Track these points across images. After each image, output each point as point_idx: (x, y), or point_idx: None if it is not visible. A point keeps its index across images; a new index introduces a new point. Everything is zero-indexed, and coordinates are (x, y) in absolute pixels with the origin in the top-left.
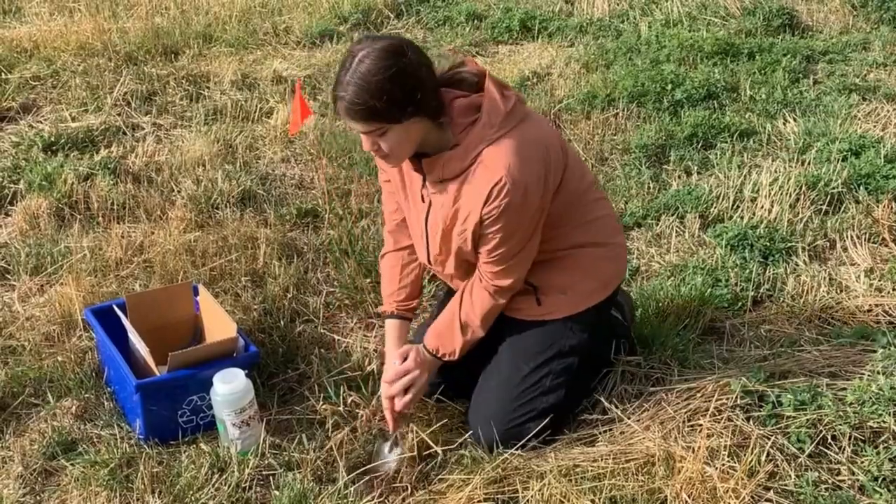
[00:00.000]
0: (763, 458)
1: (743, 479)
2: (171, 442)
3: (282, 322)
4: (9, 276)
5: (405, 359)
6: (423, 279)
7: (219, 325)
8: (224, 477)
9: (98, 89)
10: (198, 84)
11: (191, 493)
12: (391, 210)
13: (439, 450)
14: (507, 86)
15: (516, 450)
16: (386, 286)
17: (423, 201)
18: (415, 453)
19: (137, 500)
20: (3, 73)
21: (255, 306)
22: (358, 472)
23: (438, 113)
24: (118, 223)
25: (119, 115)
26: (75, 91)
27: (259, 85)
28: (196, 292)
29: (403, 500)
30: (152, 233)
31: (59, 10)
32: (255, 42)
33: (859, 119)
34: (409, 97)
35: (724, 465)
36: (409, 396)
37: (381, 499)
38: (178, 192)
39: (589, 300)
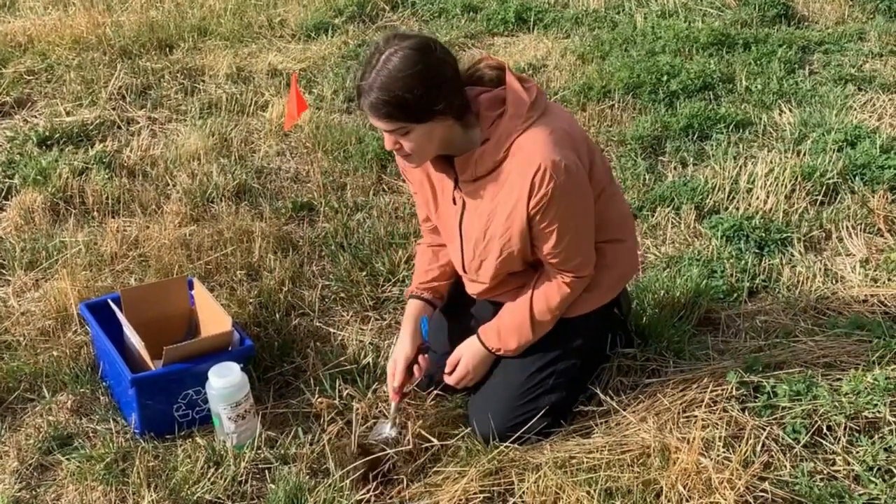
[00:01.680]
0: (758, 448)
1: (738, 469)
2: (167, 436)
3: (277, 316)
4: (4, 271)
5: (457, 361)
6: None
7: (214, 318)
8: (220, 471)
9: (93, 83)
10: (193, 77)
11: (187, 487)
12: (423, 218)
13: (436, 441)
14: (526, 78)
15: (512, 442)
16: (416, 272)
17: (455, 203)
18: (411, 446)
19: (133, 494)
20: None
21: (251, 300)
22: (354, 464)
23: (463, 112)
24: (113, 217)
25: (114, 109)
26: (70, 85)
27: (254, 78)
28: (191, 286)
29: (399, 492)
30: (147, 227)
31: (53, 4)
32: (250, 35)
33: (855, 109)
34: (435, 96)
35: (719, 456)
36: (466, 383)
37: (376, 491)
38: (174, 185)
39: (605, 297)
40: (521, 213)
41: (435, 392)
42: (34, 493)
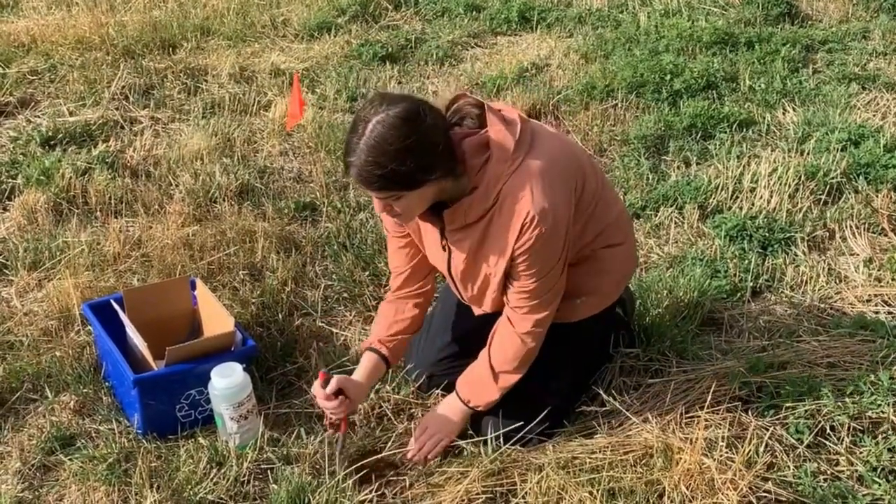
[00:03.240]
0: (761, 449)
1: (741, 470)
2: (170, 436)
3: (280, 316)
4: (7, 272)
5: (424, 429)
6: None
7: (216, 319)
8: (223, 471)
9: (96, 83)
10: (195, 77)
11: (189, 487)
12: (396, 265)
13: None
14: (509, 113)
15: (514, 443)
16: (378, 326)
17: (444, 251)
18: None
19: (136, 494)
20: (0, 68)
21: (254, 300)
22: (356, 465)
23: (454, 168)
24: (116, 217)
25: (117, 109)
26: (73, 85)
27: (257, 78)
28: (193, 286)
29: (401, 491)
30: (150, 227)
31: (56, 4)
32: (252, 35)
33: (859, 108)
34: (426, 164)
35: (721, 456)
36: (437, 450)
37: (378, 492)
38: (176, 185)
39: (605, 301)
40: (507, 256)
41: (437, 393)
42: (37, 493)
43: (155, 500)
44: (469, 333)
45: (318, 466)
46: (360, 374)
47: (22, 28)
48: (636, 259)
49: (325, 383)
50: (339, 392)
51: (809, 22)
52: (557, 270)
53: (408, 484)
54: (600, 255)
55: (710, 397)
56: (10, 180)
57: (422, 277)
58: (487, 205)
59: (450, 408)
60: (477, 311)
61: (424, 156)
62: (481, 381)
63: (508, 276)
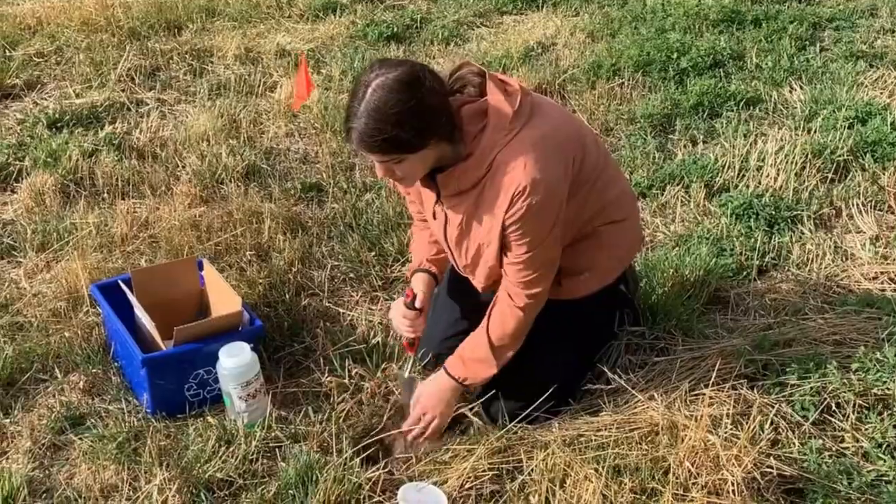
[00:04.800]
0: (766, 426)
1: (746, 446)
2: (179, 415)
3: (287, 296)
4: (15, 253)
5: (416, 403)
6: None
7: (224, 299)
8: (231, 449)
9: (102, 65)
10: (201, 59)
11: (198, 465)
12: (415, 211)
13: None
14: (509, 82)
15: (520, 421)
16: (417, 249)
17: (436, 218)
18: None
19: (145, 472)
20: (7, 51)
21: (261, 280)
22: (364, 443)
23: (454, 133)
24: (123, 199)
25: (123, 90)
26: (79, 67)
27: (262, 59)
28: (201, 267)
29: (409, 469)
30: (157, 208)
31: None
32: (258, 16)
33: (866, 86)
34: (426, 127)
35: (726, 433)
36: (429, 433)
37: (385, 469)
38: (183, 167)
39: (607, 277)
40: (499, 226)
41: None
42: (47, 472)
43: (164, 479)
44: (474, 312)
45: (325, 444)
46: (420, 291)
47: (28, 10)
48: (640, 236)
49: (413, 302)
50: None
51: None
52: (550, 241)
53: (414, 460)
54: (603, 232)
55: (715, 375)
56: (17, 162)
57: None
58: (480, 173)
59: (443, 388)
60: (475, 283)
61: (424, 119)
62: (478, 358)
63: (504, 249)
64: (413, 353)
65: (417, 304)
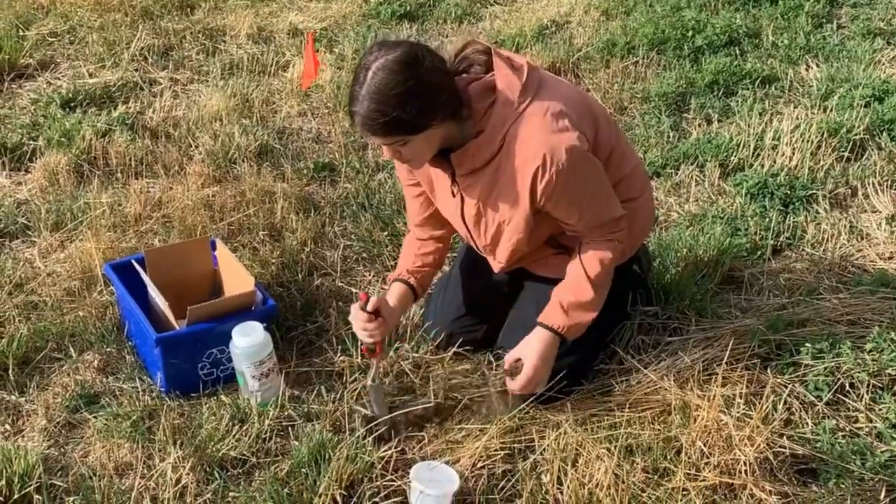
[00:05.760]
0: (780, 405)
1: (758, 426)
2: (192, 394)
3: (300, 276)
4: (30, 233)
5: (522, 360)
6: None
7: (237, 279)
8: (244, 428)
9: (115, 45)
10: (214, 38)
11: (212, 444)
12: (412, 214)
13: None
14: (516, 59)
15: (533, 401)
16: (403, 257)
17: (454, 197)
18: (432, 403)
19: (160, 451)
20: (20, 30)
21: (273, 260)
22: (374, 423)
23: (458, 111)
24: (136, 178)
25: (136, 70)
26: (92, 47)
27: (275, 38)
28: (214, 247)
29: (421, 448)
30: (170, 188)
31: None
32: None
33: (883, 64)
34: (429, 107)
35: (739, 413)
36: (540, 389)
37: (398, 448)
38: (196, 147)
39: (624, 255)
40: (525, 203)
41: (453, 351)
42: (62, 450)
43: (178, 457)
44: (487, 291)
45: (338, 423)
46: (391, 300)
47: None
48: (653, 215)
49: (366, 304)
50: (376, 313)
51: None
52: (599, 190)
53: (427, 440)
54: None
55: (728, 355)
56: (31, 142)
57: (439, 226)
58: (493, 148)
59: (548, 346)
60: (493, 264)
61: (426, 99)
62: (583, 303)
63: (558, 220)
64: (374, 360)
65: (369, 307)
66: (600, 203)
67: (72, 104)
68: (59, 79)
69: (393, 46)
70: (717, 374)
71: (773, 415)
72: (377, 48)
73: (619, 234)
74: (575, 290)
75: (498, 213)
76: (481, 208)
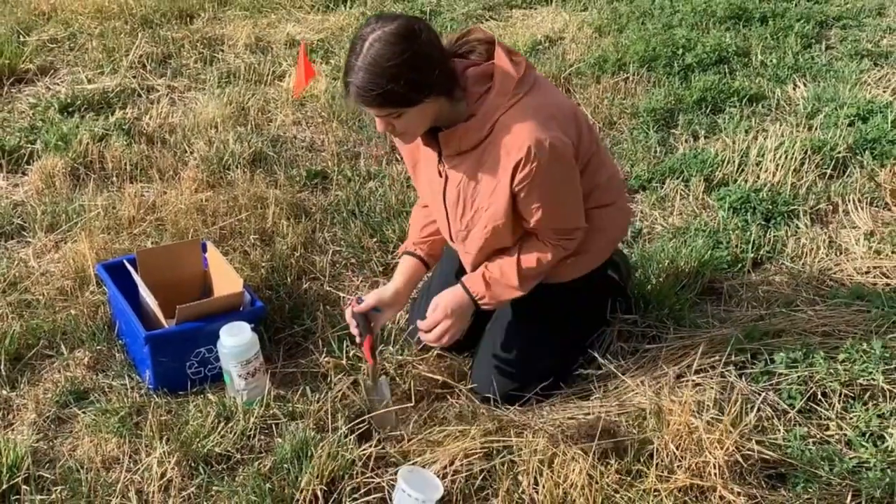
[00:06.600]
0: (752, 411)
1: (728, 430)
2: (180, 392)
3: (289, 279)
4: (25, 233)
5: (435, 308)
6: None
7: (226, 280)
8: (230, 425)
9: (114, 52)
10: (212, 47)
11: (197, 439)
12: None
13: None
14: (515, 52)
15: (512, 404)
16: (411, 229)
17: (441, 176)
18: (412, 403)
19: (146, 446)
20: (21, 36)
21: (263, 264)
22: (356, 421)
23: (452, 89)
24: (131, 182)
25: (134, 77)
26: (92, 53)
27: (272, 48)
28: (204, 249)
29: (401, 448)
30: (165, 192)
31: None
32: (269, 6)
33: (869, 84)
34: (423, 80)
35: (710, 417)
36: (444, 341)
37: (378, 447)
38: (191, 153)
39: (597, 260)
40: (506, 190)
41: (436, 352)
42: (51, 443)
43: (164, 452)
44: None
45: (321, 423)
46: (397, 279)
47: None
48: (628, 223)
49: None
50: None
51: None
52: (569, 196)
53: (407, 440)
54: (590, 215)
55: (704, 363)
56: (29, 145)
57: None
58: (482, 134)
59: (462, 303)
60: (463, 257)
61: (421, 72)
62: (506, 283)
63: (522, 214)
64: (370, 364)
65: (362, 306)
66: (566, 208)
67: (70, 109)
68: (59, 84)
69: (390, 19)
70: (693, 380)
71: (742, 419)
72: (374, 20)
73: (568, 243)
74: (503, 270)
75: (478, 198)
76: (462, 191)
